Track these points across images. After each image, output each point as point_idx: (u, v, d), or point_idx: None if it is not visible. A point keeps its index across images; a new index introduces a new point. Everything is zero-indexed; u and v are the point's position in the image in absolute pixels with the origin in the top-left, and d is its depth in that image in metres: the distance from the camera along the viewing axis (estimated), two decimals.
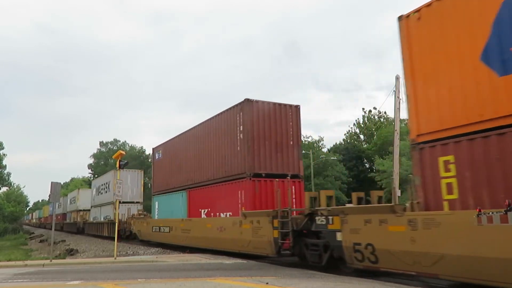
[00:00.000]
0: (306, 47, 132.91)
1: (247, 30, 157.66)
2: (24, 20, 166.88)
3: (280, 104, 15.10)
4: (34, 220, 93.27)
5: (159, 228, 20.35)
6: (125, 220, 26.36)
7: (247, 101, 14.45)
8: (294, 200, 14.10)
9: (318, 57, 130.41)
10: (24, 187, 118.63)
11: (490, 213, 6.35)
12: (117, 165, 16.25)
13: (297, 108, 15.38)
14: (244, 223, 13.22)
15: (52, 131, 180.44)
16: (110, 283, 8.43)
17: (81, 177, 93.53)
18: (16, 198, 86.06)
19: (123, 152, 16.81)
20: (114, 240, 16.29)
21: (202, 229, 16.01)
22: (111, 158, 74.29)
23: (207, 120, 17.46)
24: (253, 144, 14.14)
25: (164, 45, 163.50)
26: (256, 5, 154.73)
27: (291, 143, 14.96)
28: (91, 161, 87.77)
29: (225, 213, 15.29)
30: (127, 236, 25.87)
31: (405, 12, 8.68)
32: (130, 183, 29.00)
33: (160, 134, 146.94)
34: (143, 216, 25.17)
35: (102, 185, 33.17)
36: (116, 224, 16.06)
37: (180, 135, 20.38)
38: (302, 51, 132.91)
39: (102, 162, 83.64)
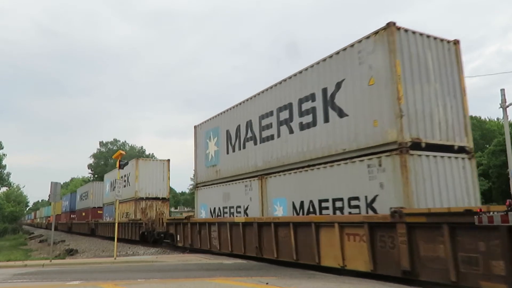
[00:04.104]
0: (306, 47, 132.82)
1: (247, 30, 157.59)
2: (24, 21, 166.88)
3: None
4: (38, 220, 79.22)
5: None
6: None
7: None
8: None
9: (318, 57, 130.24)
10: (24, 187, 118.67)
11: (491, 213, 6.33)
12: (117, 165, 16.26)
13: None
14: None
15: (52, 131, 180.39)
16: (110, 283, 8.42)
17: (81, 177, 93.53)
18: (16, 198, 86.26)
19: (123, 152, 16.82)
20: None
21: None
22: (111, 158, 74.37)
23: None
24: None
25: (164, 46, 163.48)
26: (256, 5, 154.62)
27: None
28: (91, 161, 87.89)
29: None
30: None
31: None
32: None
33: (160, 134, 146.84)
34: None
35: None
36: (116, 224, 16.04)
37: None
38: (301, 51, 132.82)
39: (102, 162, 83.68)
